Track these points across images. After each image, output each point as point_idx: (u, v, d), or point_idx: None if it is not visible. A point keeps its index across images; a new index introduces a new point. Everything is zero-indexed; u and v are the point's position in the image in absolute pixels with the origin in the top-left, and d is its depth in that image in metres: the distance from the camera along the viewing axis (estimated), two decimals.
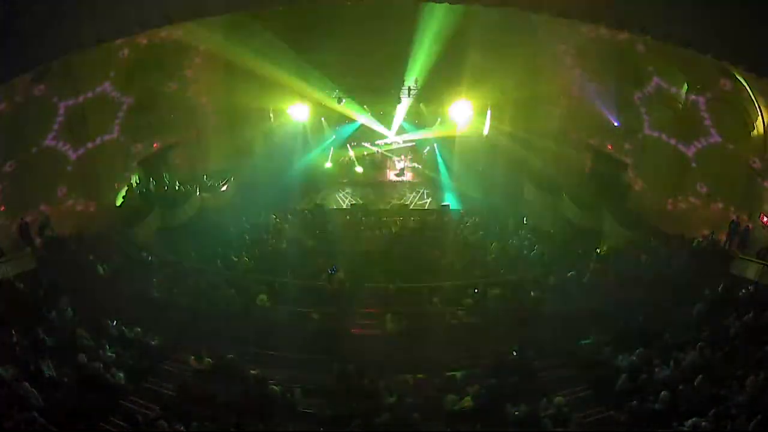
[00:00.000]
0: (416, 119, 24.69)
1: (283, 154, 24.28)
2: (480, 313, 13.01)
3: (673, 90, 16.51)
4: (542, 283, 14.18)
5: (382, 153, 25.59)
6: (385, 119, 24.36)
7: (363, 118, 24.08)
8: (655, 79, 17.01)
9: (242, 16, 18.44)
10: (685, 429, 8.40)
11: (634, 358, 10.60)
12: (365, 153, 25.50)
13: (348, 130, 24.80)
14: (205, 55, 20.75)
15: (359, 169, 25.37)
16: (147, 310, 12.88)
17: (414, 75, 21.92)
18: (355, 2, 18.19)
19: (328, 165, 25.38)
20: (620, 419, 9.11)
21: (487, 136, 24.15)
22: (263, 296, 13.42)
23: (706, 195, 16.35)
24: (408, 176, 25.74)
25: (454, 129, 24.05)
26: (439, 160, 25.10)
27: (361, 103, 23.53)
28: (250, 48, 19.33)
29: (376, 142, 25.24)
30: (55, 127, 15.96)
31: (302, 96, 22.67)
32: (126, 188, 19.41)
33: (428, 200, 23.82)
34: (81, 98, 16.44)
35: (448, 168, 24.96)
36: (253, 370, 10.45)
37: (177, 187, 21.41)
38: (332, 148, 25.21)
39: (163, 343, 11.80)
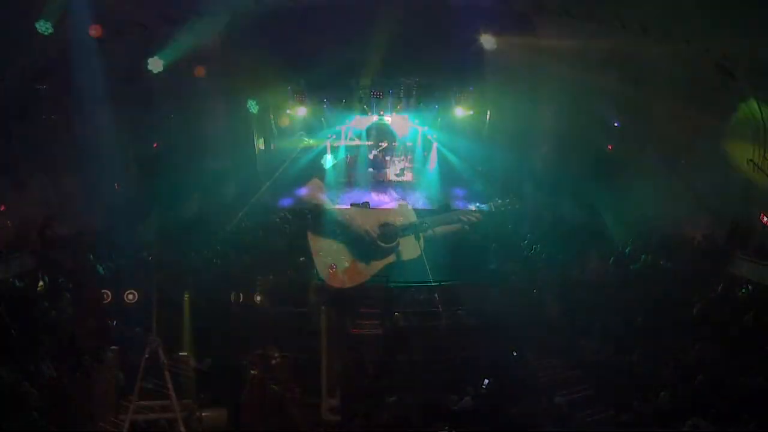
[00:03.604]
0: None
1: (283, 153, 24.26)
2: (480, 312, 13.00)
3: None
4: (542, 283, 14.16)
5: (383, 153, 25.59)
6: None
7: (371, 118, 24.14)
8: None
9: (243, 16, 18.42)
10: (685, 429, 8.40)
11: (634, 358, 10.60)
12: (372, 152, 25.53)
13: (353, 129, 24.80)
14: (206, 54, 20.69)
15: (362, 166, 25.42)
16: (147, 310, 12.84)
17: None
18: None
19: (329, 164, 25.33)
20: (620, 419, 9.11)
21: (486, 134, 24.11)
22: (262, 297, 13.39)
23: (705, 194, 16.32)
24: (408, 176, 25.73)
25: (453, 127, 24.09)
26: (438, 160, 25.06)
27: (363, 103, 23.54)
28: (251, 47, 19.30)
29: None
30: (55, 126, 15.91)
31: (302, 95, 22.70)
32: (127, 188, 19.36)
33: (428, 200, 23.75)
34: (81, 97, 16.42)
35: (447, 167, 24.91)
36: (253, 370, 10.43)
37: (177, 187, 21.34)
38: (333, 147, 25.21)
39: (163, 343, 11.74)
